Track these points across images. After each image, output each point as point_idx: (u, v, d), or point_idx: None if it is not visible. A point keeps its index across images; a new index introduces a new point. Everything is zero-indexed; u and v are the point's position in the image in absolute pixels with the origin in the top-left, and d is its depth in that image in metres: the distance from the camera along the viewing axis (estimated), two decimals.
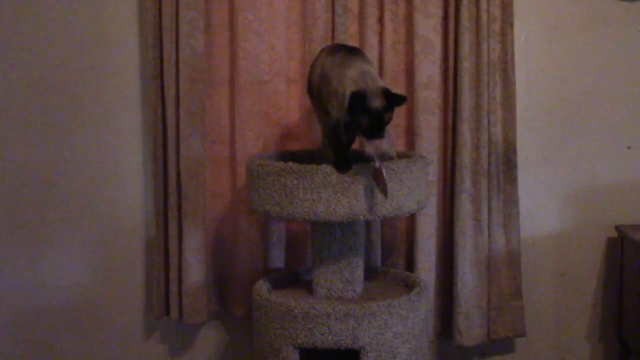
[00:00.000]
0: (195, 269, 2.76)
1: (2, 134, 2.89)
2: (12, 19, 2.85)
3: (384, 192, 2.23)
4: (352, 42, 2.75)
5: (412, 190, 2.34)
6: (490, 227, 2.75)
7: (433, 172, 2.74)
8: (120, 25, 2.85)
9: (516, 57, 2.73)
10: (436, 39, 2.71)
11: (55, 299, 2.95)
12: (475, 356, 2.95)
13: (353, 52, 2.36)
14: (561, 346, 2.96)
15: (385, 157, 2.28)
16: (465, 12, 2.67)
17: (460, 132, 2.71)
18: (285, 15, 2.75)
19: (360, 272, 2.48)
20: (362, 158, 2.26)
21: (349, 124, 2.22)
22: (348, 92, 2.19)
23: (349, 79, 2.22)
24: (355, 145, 2.60)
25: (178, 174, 2.75)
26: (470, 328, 2.76)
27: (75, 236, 2.93)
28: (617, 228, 2.81)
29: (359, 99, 2.15)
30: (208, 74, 2.77)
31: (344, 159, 2.28)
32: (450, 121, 2.76)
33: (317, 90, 2.38)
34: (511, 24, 2.71)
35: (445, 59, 2.75)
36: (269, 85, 2.76)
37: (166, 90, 2.73)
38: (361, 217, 2.27)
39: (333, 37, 2.75)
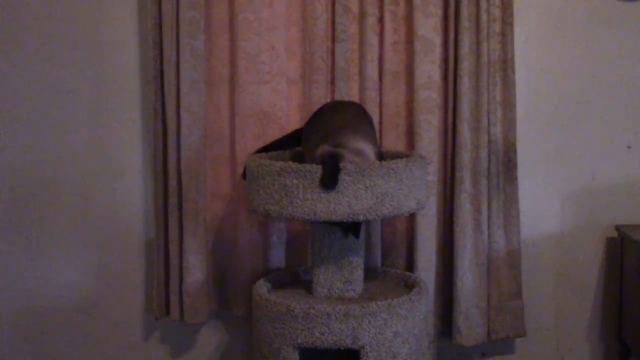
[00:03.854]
0: (195, 269, 2.76)
1: (2, 134, 2.89)
2: (11, 19, 2.85)
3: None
4: (352, 42, 2.75)
5: (412, 190, 2.34)
6: (490, 227, 2.75)
7: (433, 172, 2.73)
8: (120, 25, 2.85)
9: (516, 57, 2.73)
10: (436, 39, 2.70)
11: (55, 299, 2.95)
12: (475, 356, 2.95)
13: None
14: (561, 346, 2.96)
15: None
16: (465, 12, 2.67)
17: (460, 132, 2.71)
18: (285, 15, 2.75)
19: (360, 272, 2.48)
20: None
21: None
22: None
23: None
24: None
25: (178, 173, 2.75)
26: (470, 328, 2.76)
27: (75, 236, 2.93)
28: (617, 228, 2.81)
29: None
30: (208, 74, 2.78)
31: (335, 178, 2.26)
32: (450, 121, 2.75)
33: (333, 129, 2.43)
34: (511, 24, 2.71)
35: (445, 59, 2.75)
36: (269, 85, 2.76)
37: (166, 90, 2.73)
38: (361, 217, 2.27)
39: (333, 37, 2.75)
